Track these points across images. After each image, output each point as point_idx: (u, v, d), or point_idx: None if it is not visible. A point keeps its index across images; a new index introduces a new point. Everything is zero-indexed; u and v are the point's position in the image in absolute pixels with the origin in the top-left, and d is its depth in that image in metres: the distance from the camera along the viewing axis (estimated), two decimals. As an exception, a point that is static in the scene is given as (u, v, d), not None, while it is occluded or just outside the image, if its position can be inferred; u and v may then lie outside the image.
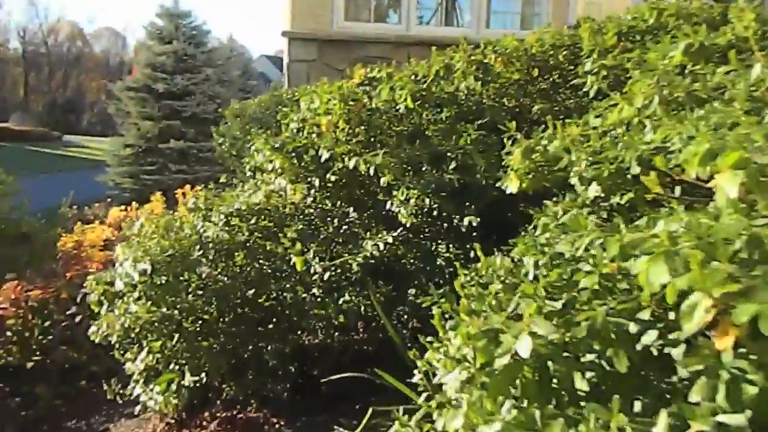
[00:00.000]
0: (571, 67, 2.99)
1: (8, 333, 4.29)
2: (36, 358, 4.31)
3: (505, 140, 2.17)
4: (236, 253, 3.11)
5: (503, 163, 2.09)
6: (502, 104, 2.97)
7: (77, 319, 4.51)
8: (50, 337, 4.45)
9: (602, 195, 1.62)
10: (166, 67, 14.14)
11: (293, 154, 2.81)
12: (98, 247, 9.43)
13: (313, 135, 2.73)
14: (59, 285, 4.91)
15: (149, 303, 2.90)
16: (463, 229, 2.31)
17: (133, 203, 11.55)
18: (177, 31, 14.44)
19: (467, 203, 2.34)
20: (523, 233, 2.08)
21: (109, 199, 12.58)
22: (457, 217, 2.35)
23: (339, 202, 3.00)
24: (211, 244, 3.06)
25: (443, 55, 2.86)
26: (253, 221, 3.11)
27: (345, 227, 3.01)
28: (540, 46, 2.80)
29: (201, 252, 2.96)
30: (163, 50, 14.21)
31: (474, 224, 2.24)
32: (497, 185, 2.07)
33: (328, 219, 3.04)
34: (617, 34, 2.61)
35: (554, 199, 1.92)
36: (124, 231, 3.28)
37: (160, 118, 13.92)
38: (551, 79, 3.05)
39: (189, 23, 14.92)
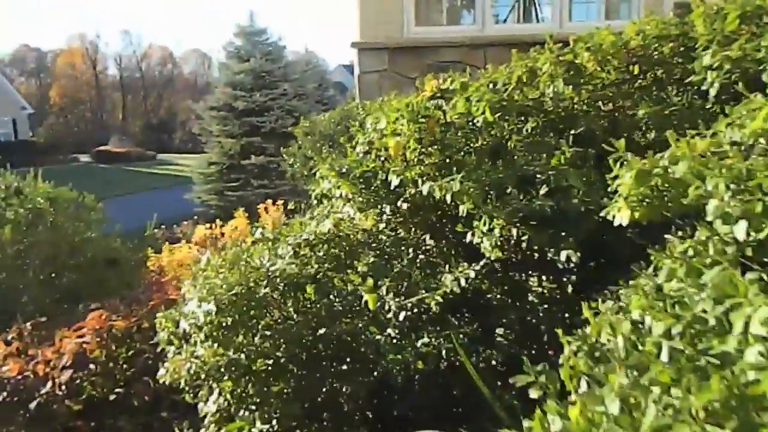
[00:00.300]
0: (680, 60, 2.54)
1: (91, 365, 4.30)
2: (118, 390, 4.31)
3: (604, 154, 1.80)
4: (306, 287, 2.89)
5: (608, 188, 1.72)
6: (598, 109, 2.56)
7: (158, 348, 4.48)
8: (133, 368, 4.43)
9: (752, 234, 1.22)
10: (245, 85, 14.46)
11: (361, 180, 2.54)
12: (185, 267, 9.65)
13: (381, 158, 2.45)
14: (141, 314, 4.92)
15: (216, 345, 2.73)
16: (560, 265, 1.95)
17: (218, 221, 11.83)
18: (254, 49, 14.73)
19: (563, 233, 1.97)
20: (634, 271, 1.71)
21: (195, 217, 13.00)
22: (552, 249, 1.99)
23: (413, 229, 2.70)
24: (278, 279, 2.85)
25: (526, 57, 2.50)
26: (321, 252, 2.87)
27: (421, 257, 2.70)
28: (641, 39, 2.38)
29: (268, 289, 2.75)
30: (242, 68, 14.54)
31: (573, 260, 1.87)
32: (600, 213, 1.71)
33: (402, 248, 2.75)
34: (740, 17, 2.16)
35: (678, 233, 1.53)
36: (192, 267, 3.13)
37: (241, 135, 14.23)
38: (655, 76, 2.62)
39: (265, 40, 15.19)
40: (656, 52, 2.42)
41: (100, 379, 4.37)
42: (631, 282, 1.66)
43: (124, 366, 4.52)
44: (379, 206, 2.65)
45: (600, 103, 2.56)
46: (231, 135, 14.26)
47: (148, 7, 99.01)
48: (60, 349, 4.38)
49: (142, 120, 60.28)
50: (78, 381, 4.19)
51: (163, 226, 12.22)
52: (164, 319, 3.07)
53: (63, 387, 4.04)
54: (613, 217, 1.62)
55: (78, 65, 60.42)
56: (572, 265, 2.16)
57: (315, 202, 2.90)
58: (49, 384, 4.00)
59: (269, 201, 11.82)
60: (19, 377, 4.04)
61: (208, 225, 10.92)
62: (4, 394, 3.92)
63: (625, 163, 1.52)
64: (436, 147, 2.31)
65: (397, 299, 2.55)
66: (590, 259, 2.14)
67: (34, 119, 48.38)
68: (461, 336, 2.40)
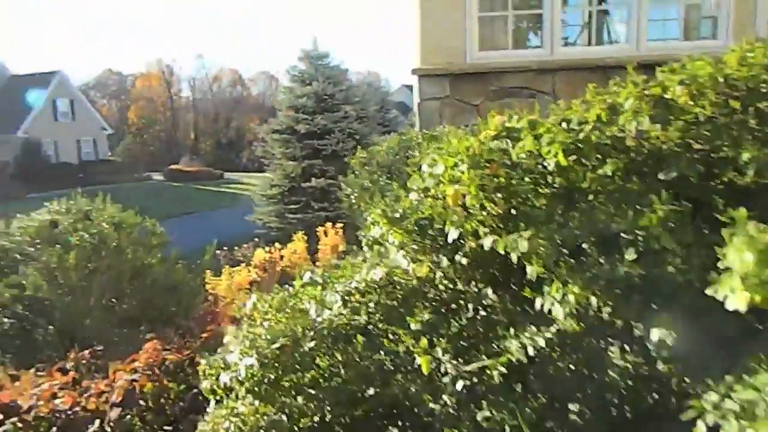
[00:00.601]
0: (791, 93, 2.17)
1: (141, 402, 4.22)
2: (167, 427, 4.20)
3: (699, 203, 1.49)
4: (354, 339, 2.66)
5: (711, 250, 1.41)
6: (689, 148, 2.22)
7: (209, 384, 4.36)
8: (182, 403, 4.33)
9: None
10: (307, 108, 14.57)
11: (415, 228, 2.30)
12: (244, 290, 9.67)
13: (438, 204, 2.19)
14: (194, 347, 4.84)
15: (257, 402, 2.54)
16: (650, 346, 1.63)
17: (277, 243, 11.85)
18: (316, 73, 14.85)
19: (654, 305, 1.65)
20: (747, 358, 1.39)
21: (256, 239, 13.11)
22: (640, 324, 1.67)
23: (473, 282, 2.42)
24: (325, 330, 2.64)
25: (604, 92, 2.20)
26: (372, 303, 2.64)
27: (482, 313, 2.42)
28: (747, 70, 2.03)
29: (314, 342, 2.54)
30: (304, 92, 14.67)
31: (668, 342, 1.55)
32: (706, 291, 1.39)
33: (461, 302, 2.47)
34: None
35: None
36: (235, 310, 2.96)
37: (302, 157, 14.32)
38: (757, 111, 2.25)
39: (327, 64, 15.31)
40: (764, 84, 2.06)
41: (150, 415, 4.28)
42: (745, 378, 1.34)
43: (175, 401, 4.43)
44: (435, 256, 2.39)
45: (693, 142, 2.22)
46: (293, 157, 14.38)
47: (222, 33, 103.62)
48: (113, 382, 4.33)
49: (212, 140, 62.59)
50: (128, 417, 4.12)
51: (225, 248, 12.36)
52: (208, 366, 2.90)
53: (112, 424, 3.97)
54: (724, 298, 1.31)
55: (155, 88, 63.56)
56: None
57: (366, 249, 2.68)
58: (98, 422, 3.93)
59: (329, 224, 11.78)
60: (70, 412, 4.00)
61: (267, 249, 10.96)
62: (54, 429, 3.88)
63: (742, 236, 1.21)
64: (500, 195, 2.04)
65: (454, 361, 2.29)
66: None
67: (114, 139, 51.06)
68: (528, 410, 2.10)
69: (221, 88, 67.25)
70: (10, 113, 39.37)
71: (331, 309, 2.63)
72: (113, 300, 6.58)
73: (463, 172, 1.97)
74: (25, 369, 4.98)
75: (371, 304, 2.62)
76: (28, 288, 5.96)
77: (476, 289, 2.48)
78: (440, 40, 5.49)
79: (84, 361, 4.83)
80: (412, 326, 2.35)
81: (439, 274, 2.59)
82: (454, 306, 2.53)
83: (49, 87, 41.83)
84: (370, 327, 2.62)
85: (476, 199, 2.11)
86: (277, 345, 2.50)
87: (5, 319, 5.99)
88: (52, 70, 43.37)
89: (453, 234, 2.04)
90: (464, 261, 2.13)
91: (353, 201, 4.81)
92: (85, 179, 33.63)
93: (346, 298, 2.67)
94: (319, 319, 2.62)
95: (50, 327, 5.78)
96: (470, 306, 2.43)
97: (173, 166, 45.10)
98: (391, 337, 2.56)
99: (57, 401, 4.02)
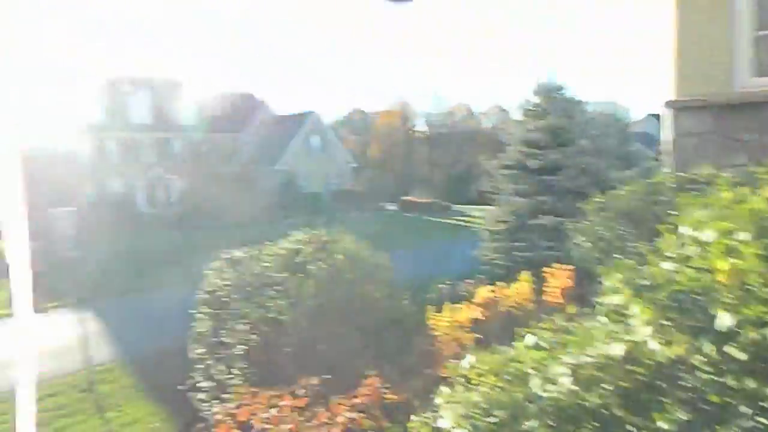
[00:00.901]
0: None
1: (358, 441, 4.27)
2: (381, 470, 4.17)
3: None
4: (586, 421, 2.27)
5: None
6: None
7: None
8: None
9: None
10: (539, 143, 14.08)
11: (670, 303, 1.86)
12: (466, 329, 9.50)
13: (704, 279, 1.74)
14: (412, 387, 4.80)
15: (469, 480, 2.29)
16: None
17: (500, 281, 11.49)
18: (549, 106, 14.33)
19: None
20: None
21: (479, 275, 12.91)
22: None
23: (748, 377, 1.88)
24: (550, 408, 2.29)
25: None
26: (607, 383, 2.22)
27: (763, 420, 1.85)
28: None
29: (535, 422, 2.21)
30: (537, 126, 14.23)
31: None
32: None
33: (730, 399, 1.93)
34: None
35: None
36: (451, 369, 2.78)
37: (531, 193, 13.83)
38: None
39: (561, 97, 14.68)
40: None
41: (366, 454, 4.31)
42: None
43: (389, 441, 4.41)
44: (694, 338, 1.91)
45: None
46: (521, 193, 13.98)
47: (457, 70, 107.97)
48: (334, 416, 4.47)
49: (442, 172, 64.96)
50: (345, 453, 4.19)
51: (448, 282, 12.42)
52: (419, 424, 2.76)
53: (330, 457, 4.07)
54: None
55: (394, 124, 68.46)
56: None
57: (603, 318, 2.28)
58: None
59: (557, 265, 11.05)
60: (294, 438, 4.20)
61: (491, 288, 10.69)
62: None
63: None
64: (798, 273, 1.52)
65: (721, 480, 1.77)
66: None
67: (358, 172, 56.06)
68: None
69: (454, 123, 69.75)
70: (272, 149, 45.87)
71: (556, 383, 2.28)
72: (343, 331, 6.91)
73: (743, 242, 1.51)
74: (264, 386, 5.43)
75: (607, 385, 2.21)
76: (272, 311, 6.55)
77: (753, 386, 1.92)
78: (701, 66, 4.70)
79: (311, 390, 5.10)
80: (661, 424, 1.89)
81: (698, 357, 2.08)
82: (718, 400, 1.99)
83: (304, 126, 47.79)
84: (605, 413, 2.21)
85: (762, 277, 1.62)
86: (493, 420, 2.24)
87: (253, 336, 6.64)
88: (307, 111, 49.60)
89: (725, 320, 1.58)
90: (742, 357, 1.64)
91: (586, 251, 4.32)
92: (330, 208, 37.43)
93: (576, 372, 2.30)
94: (543, 394, 2.29)
95: (288, 349, 6.27)
96: (743, 408, 1.88)
97: (405, 197, 47.71)
98: (630, 428, 2.11)
99: (283, 426, 4.27)
